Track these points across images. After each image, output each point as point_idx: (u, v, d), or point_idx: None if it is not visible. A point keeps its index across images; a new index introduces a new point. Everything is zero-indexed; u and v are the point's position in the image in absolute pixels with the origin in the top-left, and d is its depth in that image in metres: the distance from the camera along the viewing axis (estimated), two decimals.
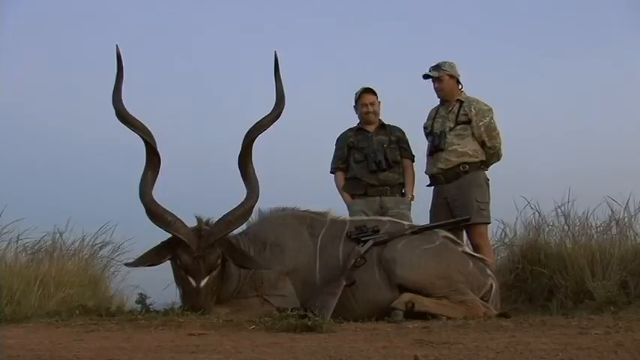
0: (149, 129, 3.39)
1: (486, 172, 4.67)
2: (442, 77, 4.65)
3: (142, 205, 3.31)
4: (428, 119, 4.84)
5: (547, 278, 4.78)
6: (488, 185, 4.60)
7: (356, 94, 4.94)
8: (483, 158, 4.61)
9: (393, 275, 3.39)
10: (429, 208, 4.73)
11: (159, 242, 3.36)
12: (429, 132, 4.76)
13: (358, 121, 4.97)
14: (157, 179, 3.41)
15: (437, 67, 4.67)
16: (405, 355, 1.99)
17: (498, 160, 4.74)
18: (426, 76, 4.71)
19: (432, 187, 4.74)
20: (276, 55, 3.73)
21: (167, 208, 3.32)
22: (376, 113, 4.89)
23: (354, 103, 4.98)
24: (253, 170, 3.55)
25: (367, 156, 4.72)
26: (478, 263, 3.58)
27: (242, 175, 3.54)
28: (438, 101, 4.82)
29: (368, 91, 4.90)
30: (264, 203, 3.70)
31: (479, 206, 4.44)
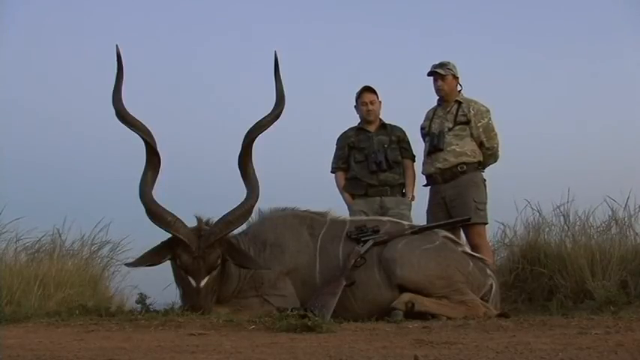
0: (149, 129, 3.39)
1: (483, 172, 4.68)
2: (447, 76, 4.66)
3: (141, 205, 3.31)
4: (425, 120, 4.84)
5: (547, 278, 4.78)
6: (485, 186, 4.61)
7: (357, 93, 4.94)
8: (481, 159, 4.62)
9: (393, 275, 3.39)
10: (426, 209, 4.73)
11: (158, 241, 3.37)
12: (426, 132, 4.76)
13: (359, 120, 4.98)
14: (157, 179, 3.41)
15: (443, 66, 4.67)
16: (405, 355, 1.99)
17: (495, 161, 4.76)
18: (431, 73, 4.71)
19: (429, 187, 4.75)
20: (276, 55, 3.73)
21: (167, 208, 3.32)
22: (376, 112, 4.89)
23: (354, 103, 4.98)
24: (253, 170, 3.55)
25: (368, 156, 4.72)
26: (478, 263, 3.58)
27: (242, 175, 3.55)
28: (436, 102, 4.83)
29: (368, 89, 4.90)
30: (264, 203, 3.70)
31: (476, 206, 4.44)
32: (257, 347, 2.22)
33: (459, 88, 4.75)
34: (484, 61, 11.98)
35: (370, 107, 4.85)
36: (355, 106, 4.97)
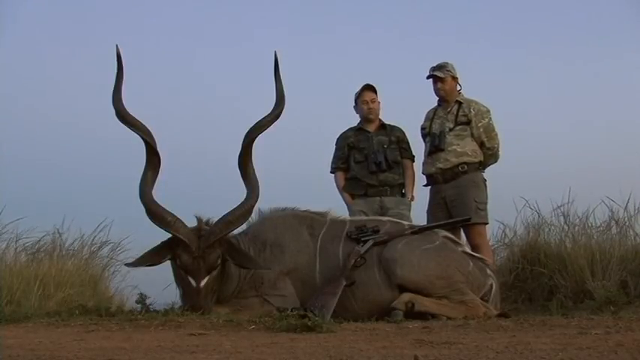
0: (149, 129, 3.39)
1: (484, 173, 4.69)
2: (446, 78, 4.66)
3: (142, 205, 3.31)
4: (425, 120, 4.85)
5: (547, 278, 4.78)
6: (485, 186, 4.62)
7: (356, 93, 4.94)
8: (482, 159, 4.63)
9: (393, 275, 3.39)
10: (426, 209, 4.74)
11: (158, 241, 3.37)
12: (427, 132, 4.77)
13: (358, 120, 4.97)
14: (157, 179, 3.41)
15: (441, 68, 4.68)
16: (405, 355, 1.99)
17: (496, 161, 4.78)
18: (430, 76, 4.71)
19: (429, 187, 4.75)
20: (276, 55, 3.73)
21: (167, 208, 3.32)
22: (377, 111, 4.89)
23: (354, 103, 4.98)
24: (253, 170, 3.55)
25: (367, 156, 4.72)
26: (478, 263, 3.58)
27: (242, 175, 3.55)
28: (435, 102, 4.84)
29: (369, 88, 4.90)
30: (264, 203, 3.71)
31: (477, 206, 4.45)
32: (257, 347, 2.22)
33: (458, 88, 4.76)
34: (484, 61, 11.99)
35: (371, 105, 4.85)
36: (354, 106, 4.97)
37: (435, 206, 4.63)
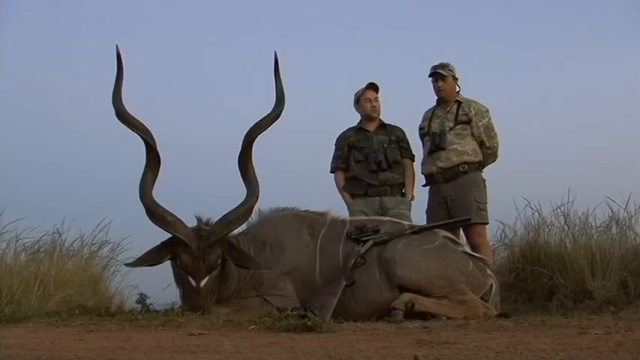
0: (149, 129, 3.39)
1: (482, 173, 4.69)
2: (448, 77, 4.67)
3: (141, 205, 3.31)
4: (424, 120, 4.85)
5: (547, 278, 4.77)
6: (485, 186, 4.62)
7: (357, 92, 4.93)
8: (481, 158, 4.64)
9: (393, 275, 3.39)
10: (426, 209, 4.74)
11: (158, 241, 3.37)
12: (425, 132, 4.77)
13: (359, 120, 4.97)
14: (157, 179, 3.41)
15: (443, 67, 4.69)
16: (405, 355, 1.99)
17: (495, 160, 4.79)
18: (433, 74, 4.71)
19: (429, 187, 4.75)
20: (276, 55, 3.73)
21: (167, 208, 3.32)
22: (379, 109, 4.89)
23: (354, 104, 4.97)
24: (253, 170, 3.55)
25: (367, 156, 4.72)
26: (478, 263, 3.58)
27: (242, 175, 3.55)
28: (435, 102, 4.84)
29: (372, 86, 4.90)
30: (264, 203, 3.71)
31: (478, 206, 4.46)
32: (257, 347, 2.21)
33: (457, 89, 4.76)
34: (484, 61, 12.00)
35: (374, 103, 4.87)
36: (355, 105, 4.96)
37: (436, 206, 4.63)
